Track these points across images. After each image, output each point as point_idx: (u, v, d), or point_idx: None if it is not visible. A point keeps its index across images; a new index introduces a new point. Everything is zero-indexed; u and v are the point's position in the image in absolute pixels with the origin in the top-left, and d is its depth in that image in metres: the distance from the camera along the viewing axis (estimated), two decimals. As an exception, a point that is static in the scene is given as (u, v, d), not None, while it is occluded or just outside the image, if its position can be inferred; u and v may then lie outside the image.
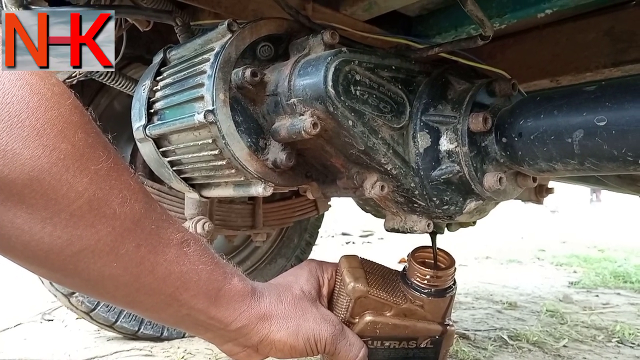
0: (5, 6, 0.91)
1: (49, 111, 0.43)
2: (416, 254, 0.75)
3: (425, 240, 0.78)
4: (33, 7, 0.89)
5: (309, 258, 0.78)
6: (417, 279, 0.71)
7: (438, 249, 0.76)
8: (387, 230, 0.80)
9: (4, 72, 0.41)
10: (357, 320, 0.71)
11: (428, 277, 0.71)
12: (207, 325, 0.61)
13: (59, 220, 0.45)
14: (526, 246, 5.15)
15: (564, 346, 1.82)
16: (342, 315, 0.72)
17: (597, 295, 2.80)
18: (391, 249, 4.46)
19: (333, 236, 5.77)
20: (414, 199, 0.71)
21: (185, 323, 0.61)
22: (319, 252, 1.81)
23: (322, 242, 4.96)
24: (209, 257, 0.59)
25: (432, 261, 0.75)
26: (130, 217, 0.50)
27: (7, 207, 0.43)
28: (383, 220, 0.80)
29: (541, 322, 2.13)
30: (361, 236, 5.80)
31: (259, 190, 0.74)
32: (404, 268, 0.75)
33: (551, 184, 1.69)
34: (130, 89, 1.18)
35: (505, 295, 2.69)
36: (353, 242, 5.34)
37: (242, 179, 0.76)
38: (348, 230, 6.01)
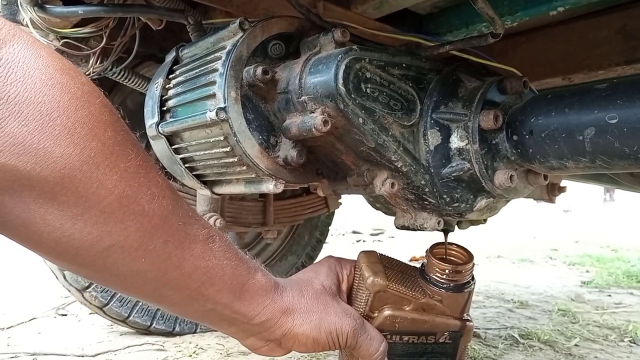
0: (21, 5, 0.93)
1: (80, 110, 0.44)
2: (435, 250, 0.75)
3: (436, 238, 0.79)
4: (48, 6, 0.90)
5: (328, 255, 0.78)
6: (436, 274, 0.72)
7: (457, 245, 0.76)
8: (397, 227, 0.80)
9: (35, 72, 0.41)
10: (376, 314, 0.72)
11: (447, 271, 0.71)
12: (231, 320, 0.62)
13: (89, 217, 0.46)
14: (538, 246, 5.11)
15: (576, 345, 1.81)
16: (361, 310, 0.72)
17: (610, 295, 2.78)
18: (402, 247, 4.46)
19: (344, 234, 5.77)
20: (424, 196, 0.71)
21: (210, 317, 0.62)
22: (329, 250, 1.81)
23: (332, 240, 4.96)
24: (233, 253, 0.60)
25: (451, 257, 0.75)
26: (158, 213, 0.51)
27: (39, 204, 0.43)
28: (393, 218, 0.80)
29: (552, 321, 2.12)
30: (372, 234, 5.79)
31: (270, 187, 0.75)
32: (422, 264, 0.75)
33: (564, 183, 1.67)
34: (143, 87, 1.19)
35: (516, 294, 2.68)
36: (364, 241, 5.34)
37: (253, 175, 0.76)
38: (359, 228, 6.01)
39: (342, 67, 0.63)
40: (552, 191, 1.64)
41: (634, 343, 1.88)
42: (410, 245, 4.45)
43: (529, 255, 4.34)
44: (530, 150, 0.66)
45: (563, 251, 4.71)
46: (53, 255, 0.49)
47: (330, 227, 2.27)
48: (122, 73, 1.16)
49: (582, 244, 5.35)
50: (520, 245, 5.05)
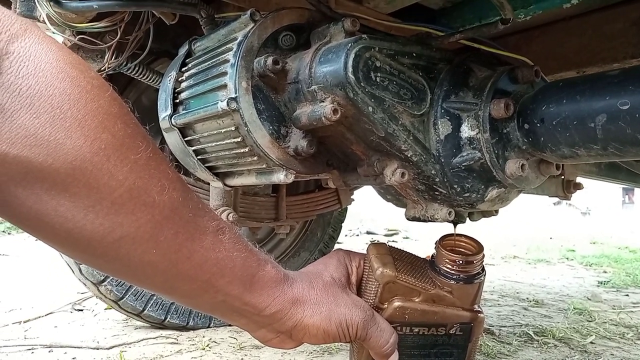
0: (38, 1, 0.95)
1: (90, 103, 0.44)
2: (444, 241, 0.75)
3: (450, 230, 0.78)
4: (63, 1, 0.92)
5: (337, 248, 0.78)
6: (446, 265, 0.71)
7: (467, 236, 0.76)
8: (407, 219, 0.80)
9: (46, 66, 0.42)
10: (385, 305, 0.71)
11: (457, 262, 0.70)
12: (242, 311, 0.62)
13: (101, 208, 0.46)
14: (555, 246, 5.06)
15: (591, 343, 1.78)
16: (371, 301, 0.72)
17: (627, 295, 2.74)
18: (416, 247, 4.44)
19: (358, 235, 5.77)
20: (434, 186, 0.71)
21: (220, 309, 0.62)
22: (343, 248, 1.81)
23: (347, 240, 4.97)
24: (243, 245, 0.60)
25: (461, 248, 0.75)
26: (168, 205, 0.51)
27: (51, 195, 0.44)
28: (406, 218, 0.80)
29: (568, 319, 2.10)
30: (386, 235, 5.78)
31: (280, 177, 0.75)
32: (432, 255, 0.75)
33: (582, 181, 1.64)
34: (158, 83, 1.20)
35: (531, 293, 2.66)
36: (378, 241, 5.33)
37: (264, 166, 0.77)
38: (373, 229, 6.00)
39: (352, 55, 0.63)
40: (567, 188, 1.61)
41: (652, 342, 1.85)
42: (424, 245, 4.43)
43: (545, 256, 4.30)
44: (542, 139, 0.65)
45: (580, 252, 4.65)
46: (65, 246, 0.50)
47: (342, 224, 2.27)
48: (136, 68, 1.17)
49: (600, 245, 5.28)
50: (537, 246, 5.00)
